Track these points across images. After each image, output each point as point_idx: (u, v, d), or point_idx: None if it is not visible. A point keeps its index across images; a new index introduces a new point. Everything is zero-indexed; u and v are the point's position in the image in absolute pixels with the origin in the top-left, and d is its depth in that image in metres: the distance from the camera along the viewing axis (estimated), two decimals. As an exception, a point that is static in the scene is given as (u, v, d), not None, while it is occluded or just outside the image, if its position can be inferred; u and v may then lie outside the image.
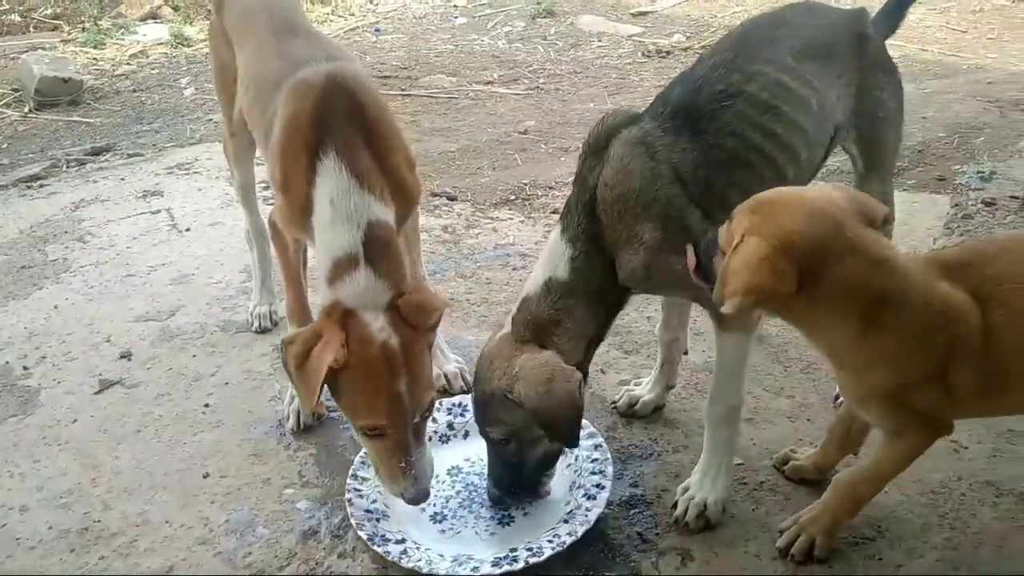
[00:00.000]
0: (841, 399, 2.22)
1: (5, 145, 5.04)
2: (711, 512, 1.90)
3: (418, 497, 1.85)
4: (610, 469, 2.01)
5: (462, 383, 2.43)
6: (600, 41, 6.57)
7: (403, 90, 5.65)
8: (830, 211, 1.51)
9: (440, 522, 1.99)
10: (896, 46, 5.61)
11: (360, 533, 1.89)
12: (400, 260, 1.91)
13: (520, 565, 1.79)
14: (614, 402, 2.34)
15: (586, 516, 1.89)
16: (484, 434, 1.92)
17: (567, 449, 1.97)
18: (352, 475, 2.06)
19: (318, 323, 1.84)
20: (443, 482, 2.09)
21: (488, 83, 5.74)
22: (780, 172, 1.87)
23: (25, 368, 2.72)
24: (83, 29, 7.29)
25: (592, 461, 2.05)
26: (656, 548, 1.88)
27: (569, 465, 2.08)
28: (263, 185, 3.15)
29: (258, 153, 2.59)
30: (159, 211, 3.87)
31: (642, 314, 2.76)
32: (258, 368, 2.63)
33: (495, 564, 1.81)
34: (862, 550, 1.83)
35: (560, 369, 1.78)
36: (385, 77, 5.90)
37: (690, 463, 2.03)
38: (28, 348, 2.83)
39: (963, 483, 1.99)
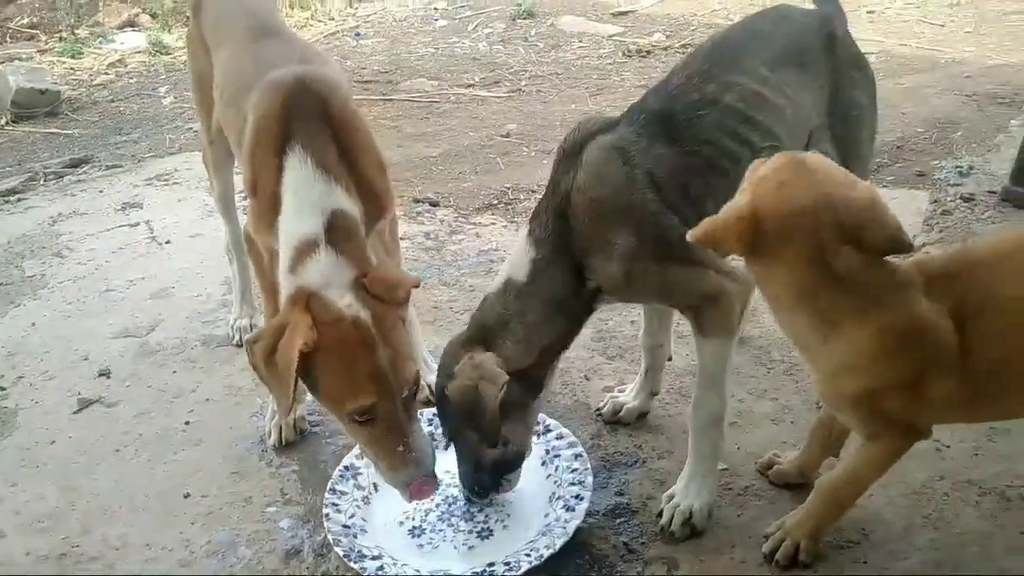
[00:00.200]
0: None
1: (-19, 159, 5.00)
2: (697, 519, 1.89)
3: (426, 483, 1.79)
4: (590, 479, 2.00)
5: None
6: (581, 41, 6.56)
7: (384, 95, 5.63)
8: (827, 205, 1.48)
9: (418, 536, 1.97)
10: (874, 41, 5.66)
11: (337, 549, 1.87)
12: (364, 247, 1.87)
13: None
14: (598, 409, 2.33)
15: (564, 528, 1.87)
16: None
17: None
18: (331, 489, 2.04)
19: (282, 314, 1.78)
20: None
21: (469, 86, 5.72)
22: None
23: (2, 388, 2.68)
24: (60, 38, 7.22)
25: (572, 471, 2.04)
26: (642, 558, 1.87)
27: (549, 476, 2.07)
28: (243, 195, 3.12)
29: (237, 162, 2.56)
30: (138, 224, 3.83)
31: (625, 318, 2.75)
32: (239, 383, 2.61)
33: None
34: (847, 553, 1.83)
35: (487, 371, 1.77)
36: (366, 82, 5.87)
37: (676, 469, 2.02)
38: (5, 367, 2.79)
39: (946, 483, 1.99)
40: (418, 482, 1.79)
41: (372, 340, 1.72)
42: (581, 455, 2.08)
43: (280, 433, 2.29)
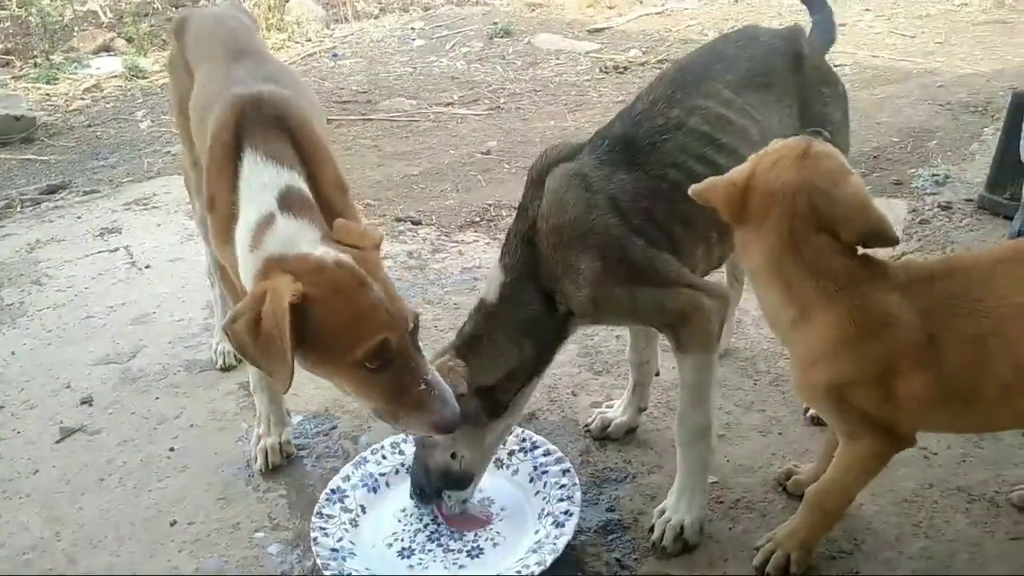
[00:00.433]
0: (812, 411, 2.24)
1: (-43, 187, 4.94)
2: (688, 534, 1.89)
3: (456, 413, 1.65)
4: (578, 495, 1.99)
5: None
6: (558, 59, 6.61)
7: (363, 114, 5.64)
8: (806, 191, 1.53)
9: (408, 557, 1.96)
10: (846, 53, 5.75)
11: (326, 574, 1.85)
12: (322, 218, 1.81)
13: None
14: (587, 425, 2.33)
15: (554, 545, 1.87)
16: None
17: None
18: (317, 513, 2.02)
19: (255, 287, 1.64)
20: (411, 515, 2.07)
21: (448, 104, 5.74)
22: None
23: (-17, 419, 2.64)
24: (35, 64, 7.19)
25: (560, 487, 2.04)
26: (635, 573, 1.86)
27: (538, 492, 2.07)
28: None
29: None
30: (117, 249, 3.80)
31: (611, 334, 2.75)
32: (223, 408, 2.58)
33: None
34: (839, 564, 1.83)
35: (454, 377, 1.79)
36: (345, 102, 5.88)
37: (666, 484, 2.02)
38: (-15, 398, 2.75)
39: (935, 490, 2.00)
40: (451, 413, 1.65)
41: (362, 276, 1.62)
42: (569, 471, 2.08)
43: (266, 457, 2.26)
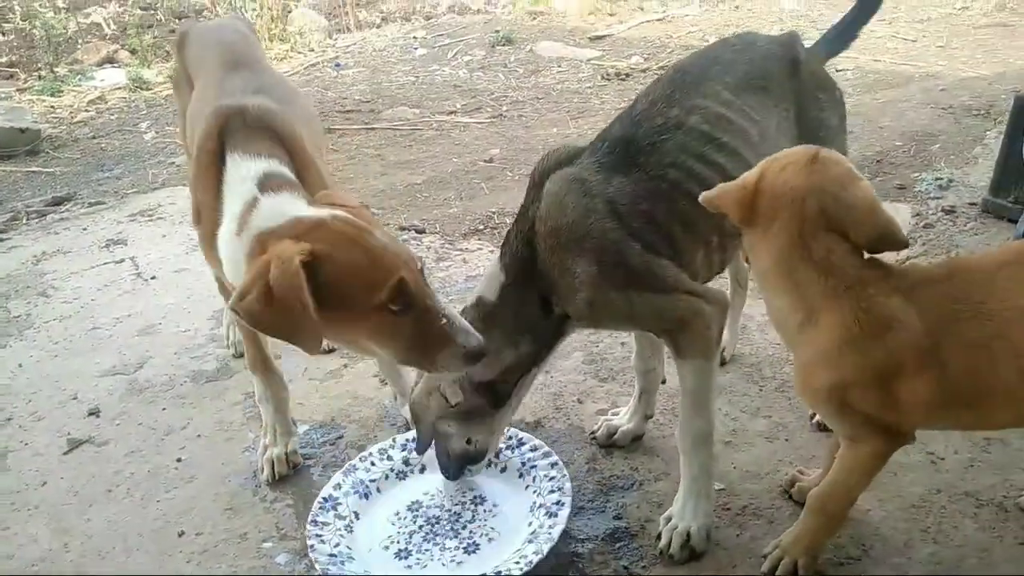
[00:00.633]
0: (818, 416, 2.23)
1: (-38, 200, 4.96)
2: (695, 541, 1.89)
3: (479, 339, 1.67)
4: (568, 486, 2.03)
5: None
6: (560, 66, 6.62)
7: (366, 124, 5.65)
8: (816, 193, 1.55)
9: (405, 558, 1.97)
10: (848, 58, 5.73)
11: None
12: (306, 193, 1.83)
13: None
14: (593, 433, 2.33)
15: (549, 534, 1.90)
16: None
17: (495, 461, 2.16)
18: (312, 521, 2.03)
19: (256, 261, 1.59)
20: (404, 518, 2.09)
21: (451, 113, 5.75)
22: None
23: (-10, 431, 2.65)
24: (39, 77, 7.20)
25: (550, 479, 2.08)
26: (642, 581, 1.86)
27: (528, 486, 2.11)
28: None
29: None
30: (123, 260, 3.81)
31: (616, 340, 2.76)
32: (230, 418, 2.59)
33: None
34: (848, 570, 1.83)
35: (445, 387, 1.90)
36: (348, 111, 5.90)
37: (673, 491, 2.01)
38: (-7, 410, 2.76)
39: (943, 495, 2.00)
40: (476, 341, 1.66)
41: (364, 224, 1.63)
42: (557, 463, 2.12)
43: (273, 468, 2.27)
